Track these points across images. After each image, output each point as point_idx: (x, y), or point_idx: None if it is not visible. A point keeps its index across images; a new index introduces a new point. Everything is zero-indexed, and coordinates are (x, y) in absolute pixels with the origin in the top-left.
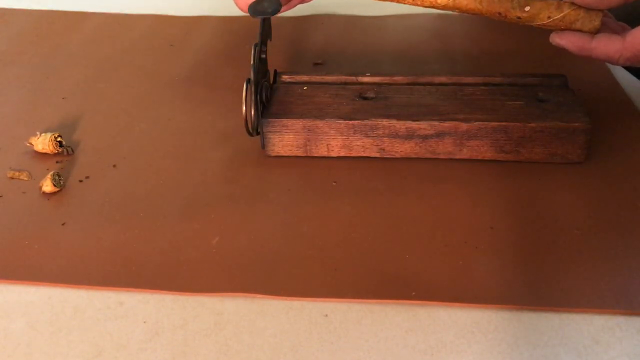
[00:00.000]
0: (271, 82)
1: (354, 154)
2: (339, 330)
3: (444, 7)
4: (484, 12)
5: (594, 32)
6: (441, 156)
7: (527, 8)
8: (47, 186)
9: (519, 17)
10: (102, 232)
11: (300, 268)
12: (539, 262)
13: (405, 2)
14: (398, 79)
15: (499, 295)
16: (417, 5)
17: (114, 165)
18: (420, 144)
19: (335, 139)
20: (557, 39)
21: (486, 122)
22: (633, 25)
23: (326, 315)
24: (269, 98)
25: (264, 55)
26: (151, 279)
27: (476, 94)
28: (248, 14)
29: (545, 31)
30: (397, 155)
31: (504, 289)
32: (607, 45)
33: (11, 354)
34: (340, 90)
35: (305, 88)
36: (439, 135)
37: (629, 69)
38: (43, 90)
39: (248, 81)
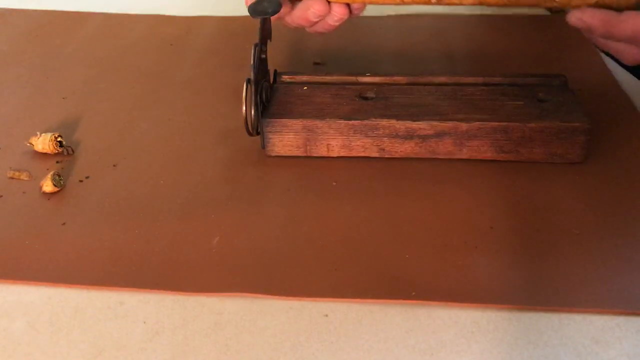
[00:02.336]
0: (271, 82)
1: (354, 154)
2: (339, 330)
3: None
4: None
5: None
6: (441, 156)
7: None
8: (47, 186)
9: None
10: (102, 232)
11: (300, 268)
12: (539, 262)
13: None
14: (398, 79)
15: (499, 295)
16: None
17: (114, 165)
18: (420, 144)
19: (335, 139)
20: (578, 15)
21: (486, 122)
22: None
23: (326, 315)
24: (269, 98)
25: (264, 55)
26: (151, 279)
27: (476, 94)
28: (251, 15)
29: (544, 31)
30: (397, 155)
31: (504, 289)
32: (635, 19)
33: (11, 354)
34: (340, 90)
35: (305, 88)
36: (439, 135)
37: (628, 69)
38: (43, 90)
39: (248, 81)
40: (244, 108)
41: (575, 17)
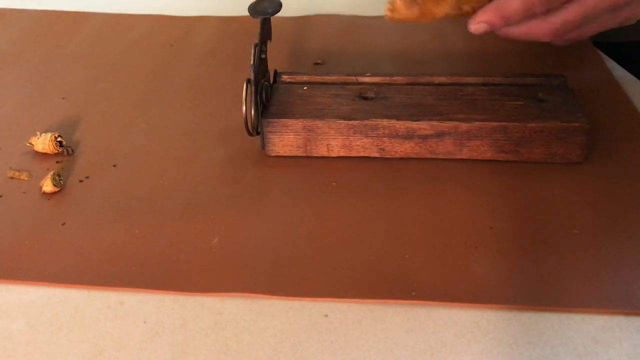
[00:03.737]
0: (271, 82)
1: (354, 154)
2: (339, 330)
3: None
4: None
5: None
6: (441, 156)
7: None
8: (47, 186)
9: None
10: (102, 232)
11: (300, 268)
12: (539, 262)
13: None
14: (398, 79)
15: (499, 295)
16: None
17: (114, 165)
18: (420, 144)
19: (335, 139)
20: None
21: (486, 122)
22: None
23: (326, 315)
24: (269, 98)
25: (264, 55)
26: (151, 279)
27: (476, 94)
28: (251, 15)
29: None
30: (397, 155)
31: (504, 289)
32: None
33: (11, 354)
34: (340, 90)
35: (305, 88)
36: (439, 135)
37: (628, 68)
38: (43, 90)
39: (248, 81)
40: (244, 108)
41: (475, 25)
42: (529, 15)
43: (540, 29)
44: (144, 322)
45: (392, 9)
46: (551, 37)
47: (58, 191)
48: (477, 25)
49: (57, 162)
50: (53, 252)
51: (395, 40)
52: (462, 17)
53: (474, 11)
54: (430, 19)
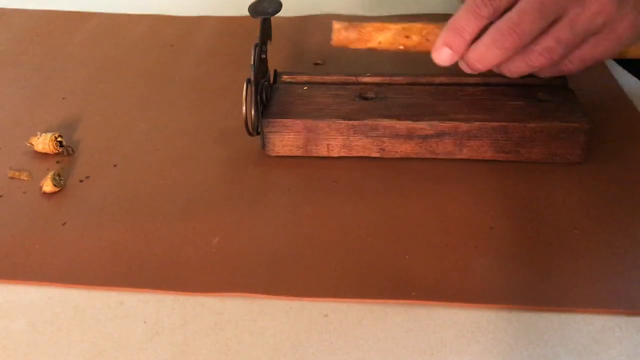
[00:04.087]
0: (271, 82)
1: (354, 154)
2: (339, 330)
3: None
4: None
5: None
6: (441, 156)
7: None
8: (48, 186)
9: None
10: (102, 232)
11: (300, 268)
12: (539, 262)
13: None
14: (398, 79)
15: (499, 295)
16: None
17: (114, 165)
18: (420, 144)
19: (335, 139)
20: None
21: (486, 122)
22: None
23: (326, 315)
24: (269, 98)
25: (264, 55)
26: (151, 279)
27: (476, 94)
28: (251, 15)
29: None
30: (397, 155)
31: (504, 289)
32: None
33: (11, 354)
34: (340, 90)
35: (305, 88)
36: (439, 135)
37: (628, 68)
38: (43, 90)
39: (248, 81)
40: (244, 108)
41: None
42: (480, 22)
43: (500, 31)
44: (144, 322)
45: (333, 31)
46: (514, 36)
47: (58, 191)
48: (438, 51)
49: (57, 162)
50: (53, 252)
51: None
52: (415, 49)
53: (427, 42)
54: (375, 46)
